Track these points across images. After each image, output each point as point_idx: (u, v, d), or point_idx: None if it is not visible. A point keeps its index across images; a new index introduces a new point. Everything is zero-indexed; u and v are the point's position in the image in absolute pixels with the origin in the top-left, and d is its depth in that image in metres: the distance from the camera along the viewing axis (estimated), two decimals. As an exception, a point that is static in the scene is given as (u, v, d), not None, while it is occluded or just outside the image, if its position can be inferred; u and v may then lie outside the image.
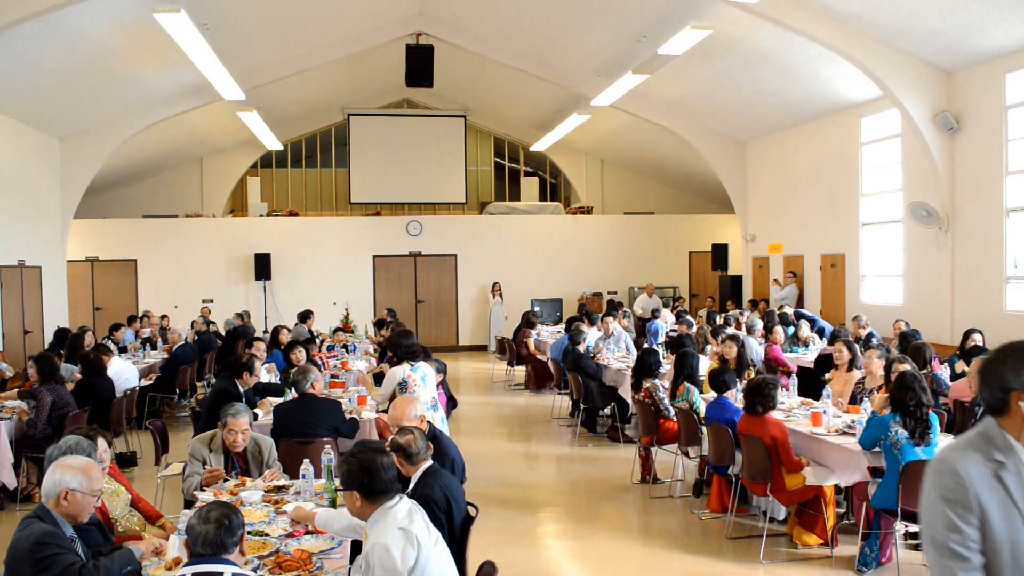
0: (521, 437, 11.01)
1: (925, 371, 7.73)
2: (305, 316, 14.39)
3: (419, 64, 14.79)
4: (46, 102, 13.55)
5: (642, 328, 15.94)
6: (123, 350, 12.43)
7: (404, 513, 3.61)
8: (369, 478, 3.59)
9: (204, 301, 18.37)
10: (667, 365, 9.52)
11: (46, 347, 12.98)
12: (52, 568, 3.32)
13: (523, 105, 20.44)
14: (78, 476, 3.56)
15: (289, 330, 12.07)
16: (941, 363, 8.58)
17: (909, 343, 8.62)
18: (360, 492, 3.60)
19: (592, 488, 8.49)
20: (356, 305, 18.53)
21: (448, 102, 21.45)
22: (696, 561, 6.26)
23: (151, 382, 11.37)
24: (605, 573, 6.17)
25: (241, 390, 7.30)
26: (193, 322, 15.30)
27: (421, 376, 6.87)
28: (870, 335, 10.86)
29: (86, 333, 11.23)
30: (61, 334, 12.26)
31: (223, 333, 14.93)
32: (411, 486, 4.42)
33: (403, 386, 6.81)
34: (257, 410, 7.30)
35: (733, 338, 9.25)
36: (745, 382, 7.31)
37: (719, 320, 13.05)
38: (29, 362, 8.38)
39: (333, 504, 4.63)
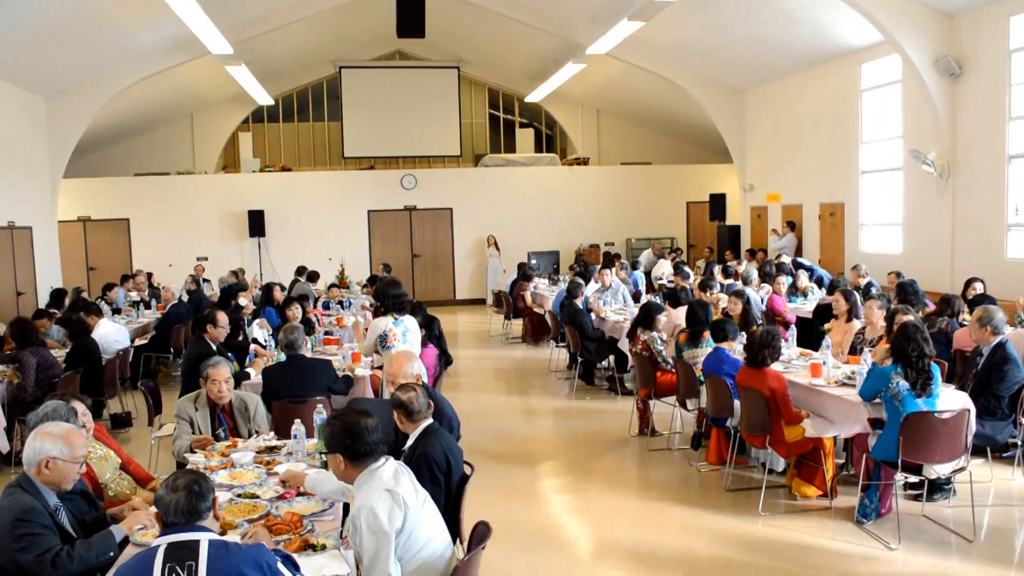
0: (519, 390, 10.97)
1: (943, 319, 7.69)
2: (312, 276, 14.26)
3: (410, 14, 14.50)
4: (30, 59, 13.23)
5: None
6: (116, 311, 12.33)
7: (390, 474, 3.54)
8: (352, 440, 3.51)
9: (198, 259, 18.23)
10: (663, 317, 9.43)
11: (42, 308, 12.87)
12: (29, 550, 3.24)
13: (517, 55, 20.10)
14: (58, 444, 3.47)
15: (283, 287, 11.95)
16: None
17: (908, 293, 8.54)
18: (344, 455, 3.53)
19: (590, 441, 8.45)
20: (352, 260, 18.40)
21: (441, 53, 21.10)
22: (695, 514, 6.22)
23: (146, 342, 11.30)
24: (603, 527, 6.14)
25: (213, 347, 7.16)
26: (186, 281, 15.15)
27: (402, 331, 6.70)
28: (869, 284, 10.77)
29: (80, 293, 11.11)
30: (58, 294, 12.16)
31: (216, 291, 14.79)
32: (409, 443, 4.35)
33: (383, 339, 6.64)
34: (249, 369, 7.22)
35: (739, 294, 9.10)
36: (746, 334, 7.22)
37: (716, 270, 12.92)
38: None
39: (326, 465, 4.56)
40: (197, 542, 2.87)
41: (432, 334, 8.35)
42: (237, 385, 6.57)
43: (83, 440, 3.61)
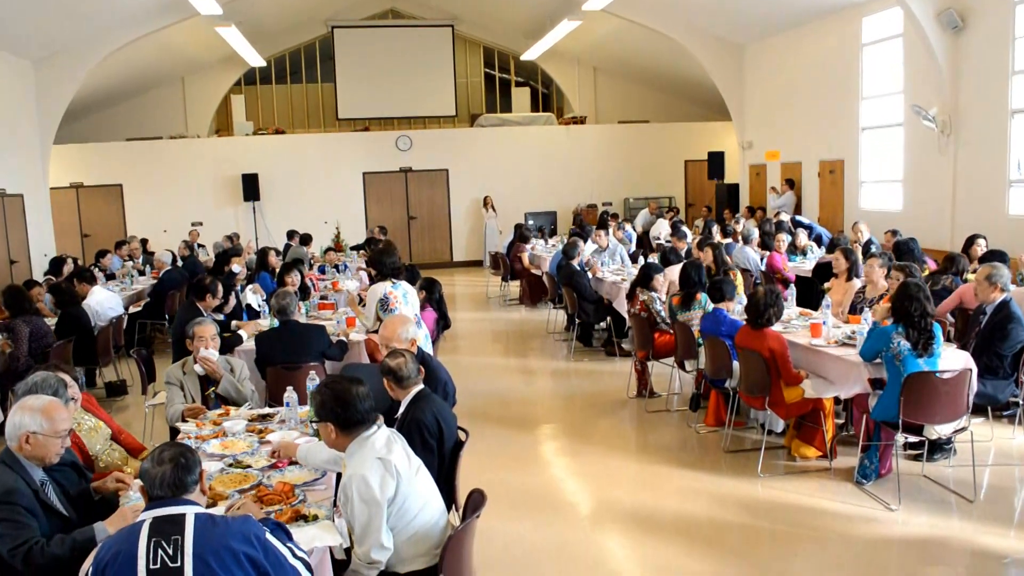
0: (517, 353, 10.92)
1: (947, 277, 7.64)
2: (305, 239, 14.14)
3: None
4: (15, 23, 12.95)
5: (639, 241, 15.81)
6: (111, 277, 12.23)
7: (382, 443, 3.48)
8: (343, 408, 3.44)
9: (193, 224, 18.09)
10: (661, 277, 9.37)
11: (37, 277, 12.78)
12: (4, 540, 3.14)
13: (512, 12, 19.79)
14: (37, 418, 3.37)
15: (278, 252, 11.83)
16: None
17: (904, 251, 8.47)
18: (335, 423, 3.46)
19: (588, 403, 8.40)
20: (347, 223, 18.26)
21: (434, 11, 20.77)
22: (693, 476, 6.18)
23: (140, 309, 11.21)
24: (601, 490, 6.10)
25: (205, 314, 7.08)
26: (179, 247, 15.03)
27: (402, 293, 6.69)
28: (869, 242, 10.66)
29: (66, 261, 11.00)
30: (56, 262, 12.07)
31: (212, 256, 14.68)
32: (401, 410, 4.29)
33: (384, 303, 6.61)
34: (241, 332, 7.14)
35: (712, 245, 9.17)
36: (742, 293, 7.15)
37: (715, 229, 12.80)
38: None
39: (318, 434, 4.50)
40: (183, 516, 2.80)
41: (432, 297, 8.27)
42: (230, 350, 6.52)
43: (65, 413, 3.51)
